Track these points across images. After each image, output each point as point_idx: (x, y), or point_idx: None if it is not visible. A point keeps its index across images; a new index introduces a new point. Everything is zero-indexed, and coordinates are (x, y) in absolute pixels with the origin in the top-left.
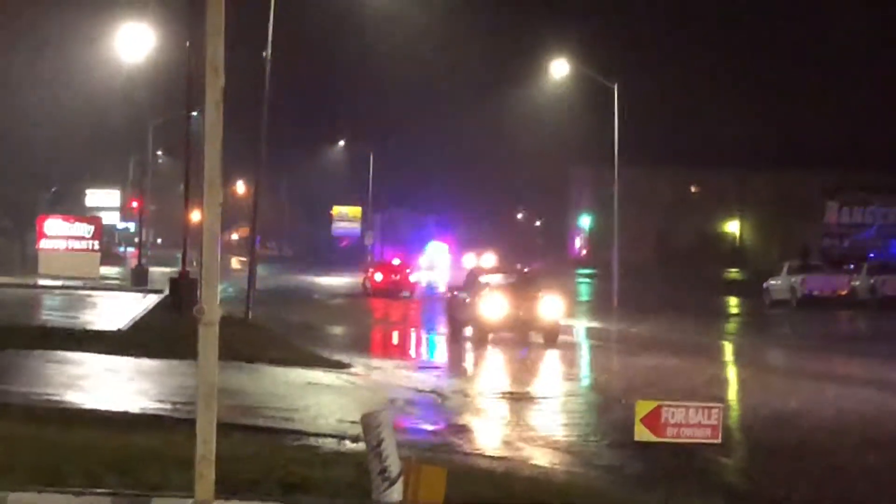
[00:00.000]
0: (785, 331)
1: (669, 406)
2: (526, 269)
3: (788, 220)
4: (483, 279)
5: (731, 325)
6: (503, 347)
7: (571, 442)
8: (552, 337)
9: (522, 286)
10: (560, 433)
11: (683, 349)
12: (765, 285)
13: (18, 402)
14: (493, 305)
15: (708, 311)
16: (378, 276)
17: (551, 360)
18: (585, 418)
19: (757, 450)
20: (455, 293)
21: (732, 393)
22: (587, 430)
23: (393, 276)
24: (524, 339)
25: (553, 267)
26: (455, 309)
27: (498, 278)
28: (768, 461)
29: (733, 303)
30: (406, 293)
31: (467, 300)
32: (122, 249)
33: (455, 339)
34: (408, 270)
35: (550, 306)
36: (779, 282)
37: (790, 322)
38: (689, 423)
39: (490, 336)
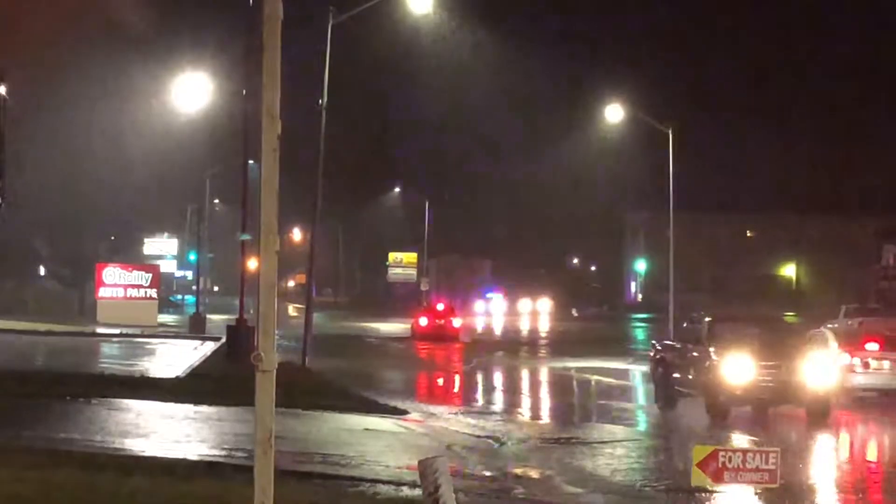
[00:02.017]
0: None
1: (726, 451)
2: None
3: (845, 263)
4: (719, 328)
5: None
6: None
7: (629, 486)
8: (821, 413)
9: (779, 340)
10: (618, 477)
11: None
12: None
13: (78, 450)
14: (740, 367)
15: None
16: (423, 321)
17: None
18: (646, 462)
19: (815, 492)
20: (665, 346)
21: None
22: (647, 474)
23: (437, 320)
24: (770, 413)
25: (609, 311)
26: (672, 370)
27: (744, 328)
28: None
29: None
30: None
31: (693, 358)
32: (179, 297)
33: (670, 412)
34: (452, 315)
35: (820, 370)
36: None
37: None
38: (747, 468)
39: (732, 411)
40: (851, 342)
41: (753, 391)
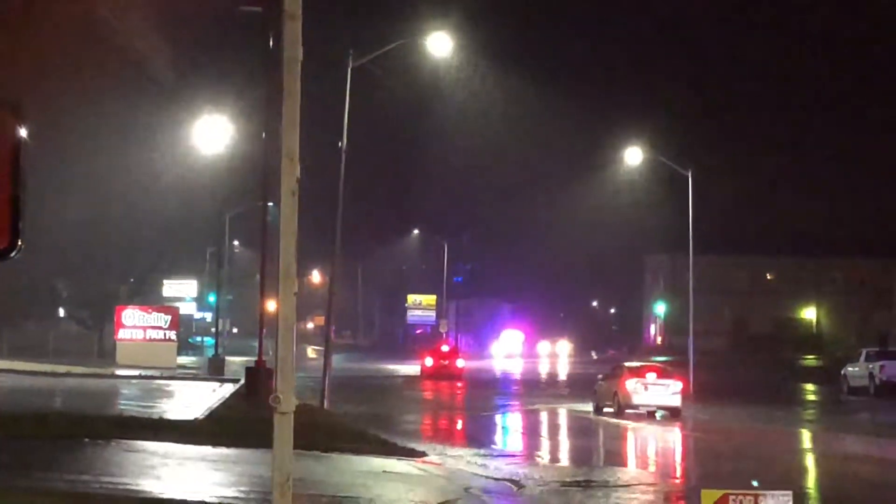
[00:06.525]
0: (862, 418)
1: (737, 494)
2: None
3: (865, 307)
4: None
5: (809, 412)
6: None
7: None
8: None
9: None
10: None
11: (760, 437)
12: (843, 372)
13: (97, 492)
14: None
15: (785, 398)
16: (429, 361)
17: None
18: None
19: None
20: None
21: (810, 480)
22: None
23: (442, 361)
24: None
25: (628, 354)
26: None
27: None
28: None
29: (810, 389)
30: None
31: None
32: (198, 339)
33: None
34: (456, 356)
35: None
36: (857, 368)
37: (868, 409)
38: None
39: None
40: (637, 372)
41: None
